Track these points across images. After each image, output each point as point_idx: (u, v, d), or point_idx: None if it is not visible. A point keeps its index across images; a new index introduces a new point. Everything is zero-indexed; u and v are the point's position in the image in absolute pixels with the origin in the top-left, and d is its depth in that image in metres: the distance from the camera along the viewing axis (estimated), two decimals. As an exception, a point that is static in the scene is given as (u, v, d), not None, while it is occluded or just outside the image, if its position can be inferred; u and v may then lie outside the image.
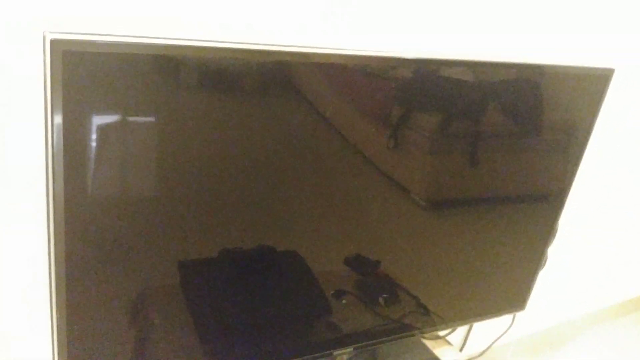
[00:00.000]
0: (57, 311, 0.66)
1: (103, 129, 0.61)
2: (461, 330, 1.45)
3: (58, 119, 0.57)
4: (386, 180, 0.84)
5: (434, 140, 0.85)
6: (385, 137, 0.80)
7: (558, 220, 1.10)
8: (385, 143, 0.81)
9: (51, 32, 0.54)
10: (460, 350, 1.50)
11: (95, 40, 0.56)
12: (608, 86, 0.97)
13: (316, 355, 0.93)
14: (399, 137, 0.81)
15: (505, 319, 1.49)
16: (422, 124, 0.83)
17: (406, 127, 0.81)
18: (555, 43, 1.16)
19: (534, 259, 1.13)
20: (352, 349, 0.98)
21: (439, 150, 0.87)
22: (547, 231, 1.10)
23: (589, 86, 0.96)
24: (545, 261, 1.16)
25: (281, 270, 0.81)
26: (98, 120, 0.60)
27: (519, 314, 1.62)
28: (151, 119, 0.63)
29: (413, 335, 1.05)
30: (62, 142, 0.58)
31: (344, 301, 0.91)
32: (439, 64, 0.79)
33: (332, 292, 0.89)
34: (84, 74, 0.57)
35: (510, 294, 1.14)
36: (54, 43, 0.54)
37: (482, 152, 0.91)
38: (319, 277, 0.86)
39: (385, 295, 0.96)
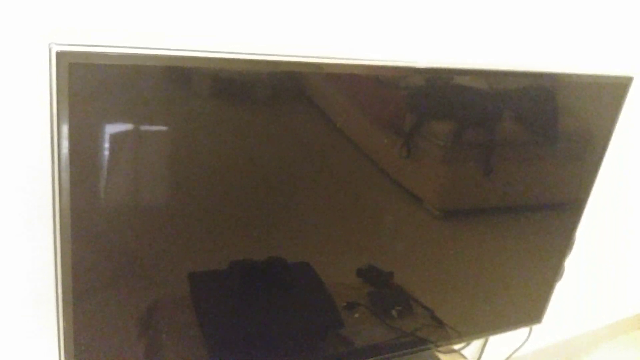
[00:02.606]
0: (63, 324, 0.66)
1: (110, 141, 0.60)
2: (476, 343, 1.42)
3: (64, 131, 0.57)
4: (399, 189, 0.83)
5: (447, 149, 0.84)
6: (398, 146, 0.79)
7: (575, 231, 1.08)
8: (398, 152, 0.80)
9: (57, 44, 0.54)
10: (475, 363, 1.47)
11: (102, 52, 0.56)
12: (627, 94, 0.96)
13: (328, 369, 0.92)
14: (412, 146, 0.80)
15: (521, 332, 1.47)
16: (435, 132, 0.82)
17: (419, 136, 0.80)
18: (572, 51, 1.14)
19: (551, 270, 1.11)
20: (364, 363, 0.96)
21: (453, 159, 0.86)
22: (564, 242, 1.09)
23: (607, 94, 0.94)
24: (563, 272, 1.14)
25: (292, 282, 0.80)
26: (105, 131, 0.59)
27: (536, 327, 1.60)
28: (159, 130, 0.62)
29: (427, 349, 1.03)
30: (68, 154, 0.58)
31: (356, 315, 0.90)
32: (452, 73, 0.78)
33: (344, 304, 0.88)
34: (91, 86, 0.57)
35: (526, 306, 1.13)
36: (60, 55, 0.54)
37: (497, 161, 0.90)
38: (330, 289, 0.85)
39: (398, 308, 0.95)
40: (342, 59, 0.69)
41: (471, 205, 0.92)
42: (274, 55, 0.64)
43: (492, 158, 0.89)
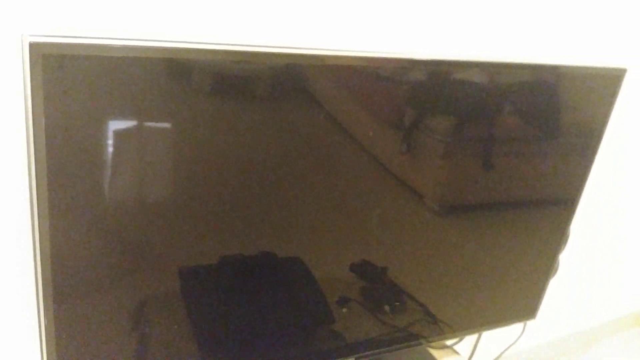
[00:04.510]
0: (45, 321, 0.64)
1: (90, 137, 0.58)
2: (469, 339, 1.42)
3: (39, 127, 0.55)
4: (399, 184, 0.82)
5: (447, 144, 0.83)
6: (398, 140, 0.78)
7: (569, 226, 1.07)
8: (398, 147, 0.79)
9: (30, 35, 0.52)
10: (469, 360, 1.47)
11: (78, 43, 0.54)
12: (620, 86, 0.95)
13: (318, 364, 0.91)
14: (412, 140, 0.79)
15: (515, 328, 1.46)
16: (435, 127, 0.81)
17: (419, 131, 0.79)
18: (567, 43, 1.13)
19: (545, 266, 1.10)
20: (354, 359, 0.95)
21: (453, 154, 0.85)
22: (558, 237, 1.08)
23: (601, 86, 0.93)
24: (557, 268, 1.13)
25: (284, 277, 0.79)
26: (82, 127, 0.58)
27: (530, 323, 1.59)
28: (142, 125, 0.61)
29: (419, 344, 1.02)
30: (45, 150, 0.56)
31: (344, 309, 0.89)
32: (452, 64, 0.77)
33: (336, 299, 0.87)
34: (67, 79, 0.54)
35: (520, 302, 1.12)
36: (34, 46, 0.52)
37: (496, 156, 0.89)
38: (322, 284, 0.84)
39: (397, 303, 0.94)
40: (343, 50, 0.68)
41: (469, 200, 0.92)
42: (269, 46, 0.63)
43: (492, 153, 0.88)
